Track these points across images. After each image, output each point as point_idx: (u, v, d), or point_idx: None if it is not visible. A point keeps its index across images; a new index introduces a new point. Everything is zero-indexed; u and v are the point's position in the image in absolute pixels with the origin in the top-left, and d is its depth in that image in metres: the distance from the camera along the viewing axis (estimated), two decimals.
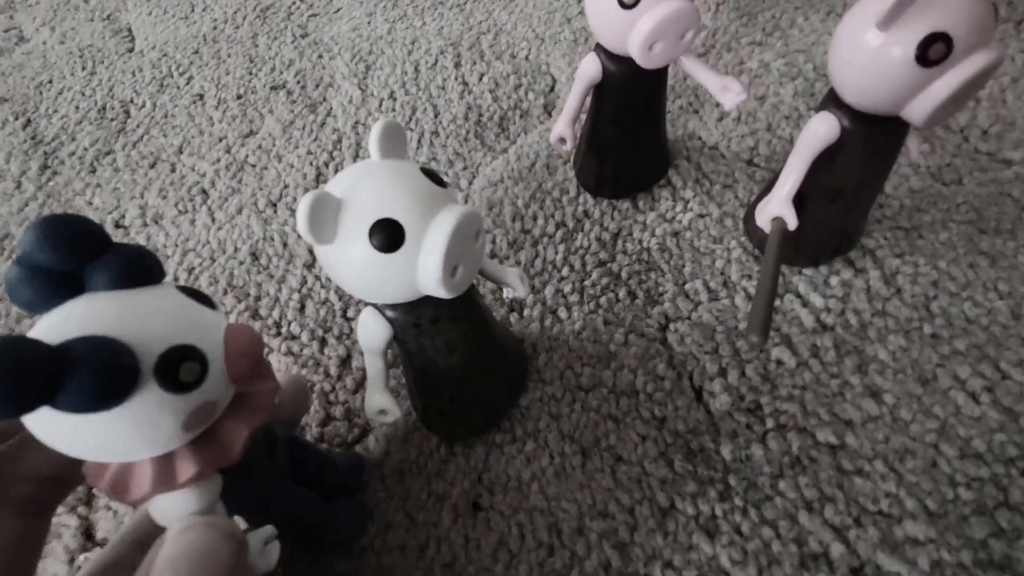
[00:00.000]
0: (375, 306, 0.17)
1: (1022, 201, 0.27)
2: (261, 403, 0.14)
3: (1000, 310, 0.24)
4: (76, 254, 0.12)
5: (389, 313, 0.17)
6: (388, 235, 0.14)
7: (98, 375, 0.10)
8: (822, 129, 0.20)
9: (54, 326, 0.11)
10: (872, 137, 0.20)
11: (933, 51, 0.16)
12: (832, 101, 0.20)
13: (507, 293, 0.22)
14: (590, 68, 0.24)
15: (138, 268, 0.12)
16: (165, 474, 0.13)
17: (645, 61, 0.22)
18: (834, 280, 0.26)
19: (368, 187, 0.14)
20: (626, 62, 0.23)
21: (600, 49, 0.24)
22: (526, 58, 0.41)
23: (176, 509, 0.13)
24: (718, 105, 0.35)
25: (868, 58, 0.17)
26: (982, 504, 0.19)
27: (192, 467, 0.13)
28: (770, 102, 0.34)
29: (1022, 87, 0.32)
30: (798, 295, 0.26)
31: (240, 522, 0.16)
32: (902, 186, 0.29)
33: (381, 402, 0.19)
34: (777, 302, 0.25)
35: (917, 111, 0.17)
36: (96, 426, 0.11)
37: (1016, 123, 0.30)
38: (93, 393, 0.11)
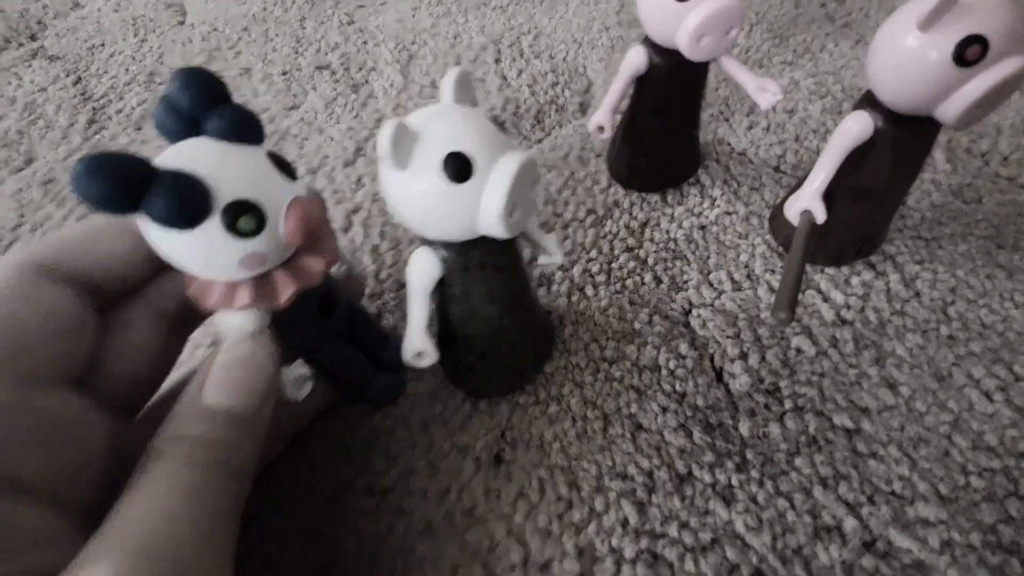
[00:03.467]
0: (429, 246, 0.18)
1: None
2: (311, 270, 0.17)
3: (1015, 318, 0.24)
4: (199, 100, 0.14)
5: (441, 253, 0.18)
6: (459, 166, 0.15)
7: (171, 198, 0.13)
8: (856, 127, 0.21)
9: (165, 155, 0.14)
10: (903, 138, 0.21)
11: (970, 52, 0.17)
12: (867, 101, 0.21)
13: (543, 258, 0.23)
14: (636, 59, 0.25)
15: (243, 126, 0.15)
16: (229, 296, 0.15)
17: (692, 53, 0.23)
18: (855, 280, 0.27)
19: (442, 124, 0.15)
20: (671, 55, 0.25)
21: (647, 42, 0.25)
22: (564, 59, 0.42)
23: (232, 322, 0.16)
24: (748, 114, 0.36)
25: (908, 58, 0.18)
26: (992, 492, 0.20)
27: (247, 298, 0.15)
28: (799, 116, 0.35)
29: None
30: (819, 291, 0.26)
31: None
32: (924, 200, 0.30)
33: (420, 344, 0.19)
34: (800, 295, 0.26)
35: (950, 110, 0.19)
36: (175, 241, 0.14)
37: None
38: (165, 211, 0.13)
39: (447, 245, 0.18)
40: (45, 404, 0.13)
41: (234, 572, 0.14)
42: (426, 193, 0.15)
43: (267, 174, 0.15)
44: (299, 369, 0.18)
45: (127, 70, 0.45)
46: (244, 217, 0.14)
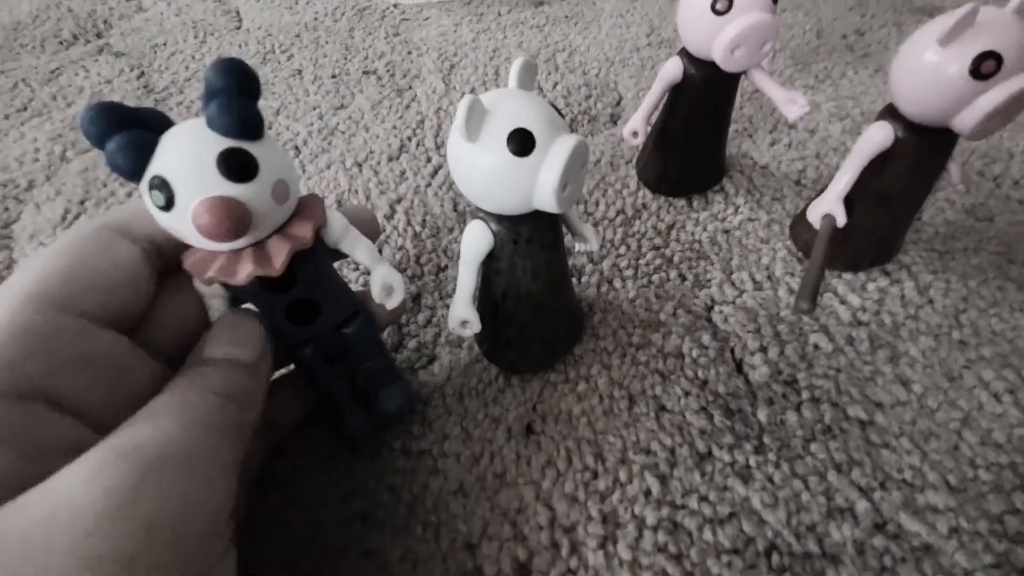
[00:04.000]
0: (482, 220, 0.20)
1: None
2: (300, 233, 0.17)
3: None
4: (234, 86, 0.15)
5: (493, 226, 0.20)
6: (523, 141, 0.16)
7: (116, 145, 0.14)
8: (878, 136, 0.23)
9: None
10: (922, 146, 0.23)
11: (985, 67, 0.19)
12: (889, 113, 0.23)
13: (580, 246, 0.24)
14: (673, 69, 0.27)
15: (228, 121, 0.15)
16: (232, 266, 0.16)
17: (726, 63, 0.25)
18: (871, 286, 0.28)
19: (509, 104, 0.17)
20: (706, 67, 0.27)
21: (684, 53, 0.27)
22: (596, 75, 0.45)
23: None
24: (771, 131, 0.38)
25: (928, 72, 0.20)
26: (1000, 485, 0.21)
27: (249, 266, 0.16)
28: (819, 135, 0.37)
29: None
30: (836, 294, 0.28)
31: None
32: (938, 217, 0.31)
33: (465, 313, 0.21)
34: (819, 296, 0.28)
35: (966, 120, 0.20)
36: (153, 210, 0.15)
37: None
38: (109, 157, 0.15)
39: (499, 219, 0.20)
40: (98, 340, 0.15)
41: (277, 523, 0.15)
42: (491, 164, 0.17)
43: (202, 167, 0.15)
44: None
45: (187, 67, 0.48)
46: (155, 191, 0.15)
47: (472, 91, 0.43)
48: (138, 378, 0.16)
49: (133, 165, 0.15)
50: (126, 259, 0.16)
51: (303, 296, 0.19)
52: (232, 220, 0.15)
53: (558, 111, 0.18)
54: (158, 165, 0.15)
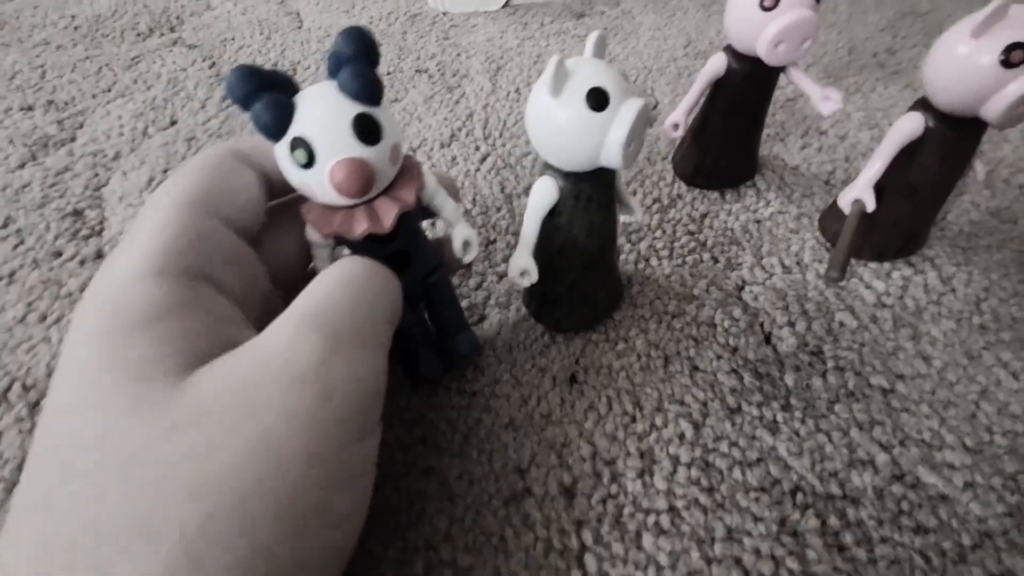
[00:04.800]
0: (551, 175, 0.22)
1: None
2: (404, 198, 0.19)
3: None
4: (356, 53, 0.17)
5: (560, 182, 0.22)
6: (600, 97, 0.19)
7: (261, 107, 0.16)
8: (909, 125, 0.25)
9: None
10: (950, 137, 0.25)
11: (1015, 56, 0.21)
12: (920, 104, 0.25)
13: (625, 216, 0.27)
14: (717, 63, 0.30)
15: (357, 85, 0.17)
16: (348, 222, 0.18)
17: (769, 57, 0.27)
18: (895, 274, 0.30)
19: (588, 67, 0.20)
20: (749, 62, 0.29)
21: (729, 49, 0.30)
22: (634, 82, 0.47)
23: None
24: (802, 136, 0.40)
25: (961, 62, 0.22)
26: (1014, 449, 0.22)
27: (365, 223, 0.18)
28: (849, 142, 0.39)
29: None
30: (862, 280, 0.30)
31: None
32: (963, 217, 0.33)
33: (526, 263, 0.23)
34: (843, 283, 0.30)
35: (994, 108, 0.22)
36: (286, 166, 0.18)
37: None
38: (255, 119, 0.16)
39: (566, 176, 0.22)
40: (238, 243, 0.18)
41: None
42: (569, 117, 0.19)
43: (339, 130, 0.17)
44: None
45: (253, 61, 0.52)
46: (298, 150, 0.16)
47: (517, 91, 0.47)
48: (263, 284, 0.19)
49: (277, 125, 0.16)
50: (251, 182, 0.19)
51: (400, 248, 0.21)
52: (363, 179, 0.17)
53: (627, 78, 0.21)
54: (299, 126, 0.16)
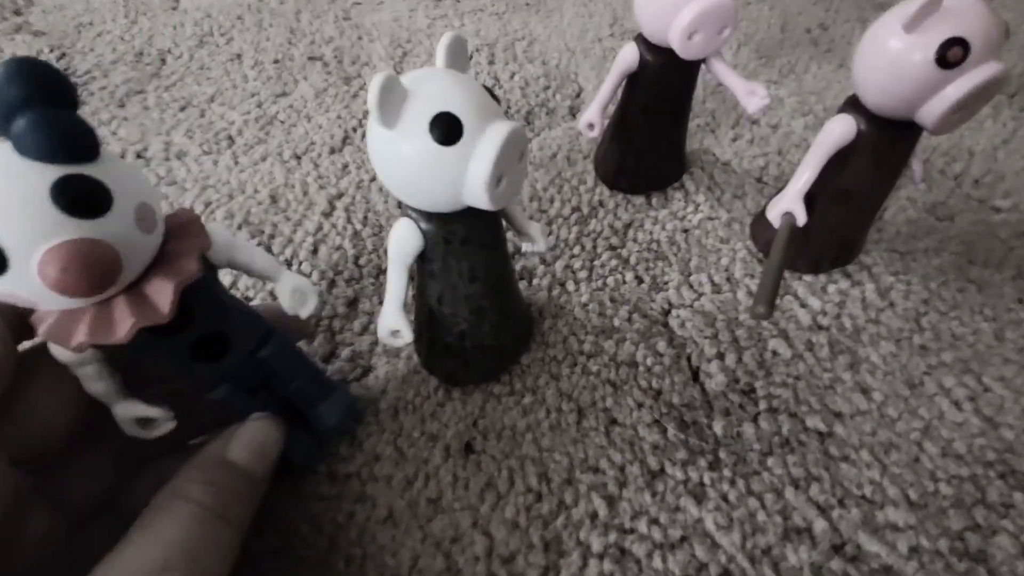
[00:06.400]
0: (411, 217, 0.18)
1: (1009, 242, 0.29)
2: (156, 300, 0.14)
3: (985, 331, 0.25)
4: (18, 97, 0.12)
5: (423, 225, 0.17)
6: (447, 127, 0.14)
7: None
8: (839, 129, 0.22)
9: None
10: (884, 141, 0.22)
11: (951, 54, 0.18)
12: (851, 105, 0.22)
13: (527, 246, 0.22)
14: (628, 56, 0.26)
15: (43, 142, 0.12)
16: (105, 324, 0.13)
17: (684, 50, 0.23)
18: (832, 288, 0.27)
19: (433, 85, 0.15)
20: (663, 53, 0.25)
21: (640, 39, 0.26)
22: (556, 66, 0.43)
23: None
24: (733, 127, 0.37)
25: (892, 59, 0.19)
26: (960, 500, 0.20)
27: (129, 319, 0.13)
28: (782, 131, 0.36)
29: (1012, 148, 0.34)
30: (797, 297, 0.27)
31: None
32: (900, 215, 0.30)
33: (395, 321, 0.19)
34: (777, 300, 0.26)
35: (931, 112, 0.19)
36: None
37: (1005, 177, 0.32)
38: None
39: (430, 217, 0.17)
40: None
41: None
42: (412, 154, 0.15)
43: (33, 208, 0.12)
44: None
45: (114, 49, 0.44)
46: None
47: None
48: None
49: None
50: None
51: (207, 331, 0.16)
52: (94, 267, 0.12)
53: (493, 95, 0.16)
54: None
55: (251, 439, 0.17)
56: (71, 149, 0.12)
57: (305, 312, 0.18)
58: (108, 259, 0.12)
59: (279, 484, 0.20)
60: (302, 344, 0.24)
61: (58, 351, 0.14)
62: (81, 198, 0.12)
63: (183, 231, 0.15)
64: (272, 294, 0.26)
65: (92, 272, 0.12)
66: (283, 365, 0.18)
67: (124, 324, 0.13)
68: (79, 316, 0.13)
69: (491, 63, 0.43)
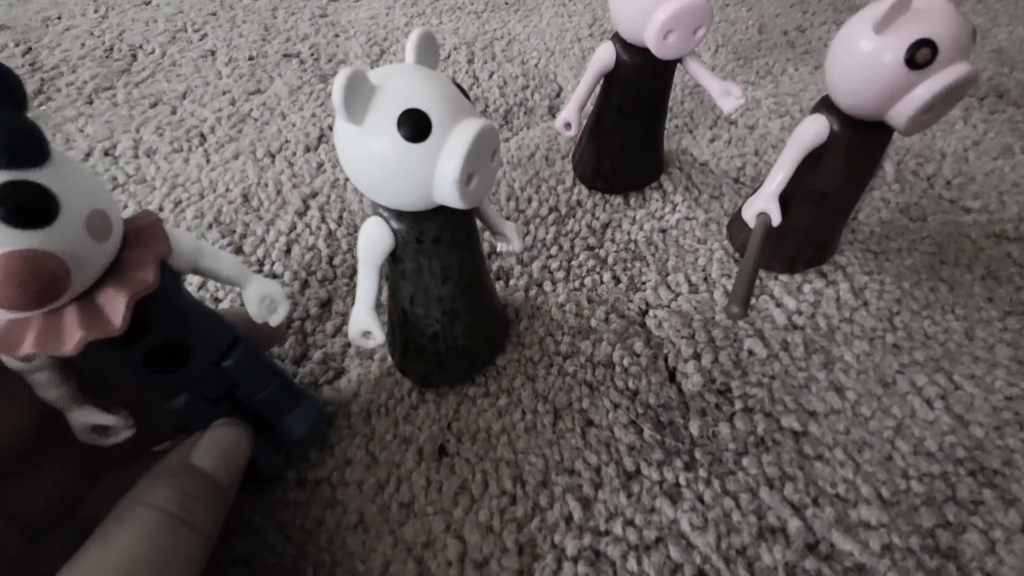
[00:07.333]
0: (381, 216, 0.17)
1: (979, 243, 0.29)
2: (107, 311, 0.13)
3: (956, 330, 0.25)
4: None
5: (394, 224, 0.17)
6: (416, 124, 0.14)
7: None
8: (812, 129, 0.22)
9: None
10: (856, 142, 0.22)
11: (920, 55, 0.18)
12: (824, 106, 0.22)
13: (502, 246, 0.22)
14: (604, 55, 0.26)
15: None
16: (53, 336, 0.12)
17: (659, 49, 0.23)
18: (807, 287, 0.27)
19: (402, 80, 0.15)
20: (639, 53, 0.25)
21: (616, 38, 0.25)
22: (535, 65, 0.42)
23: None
24: (711, 127, 0.37)
25: (862, 60, 0.19)
26: (931, 497, 0.20)
27: (78, 331, 0.12)
28: (759, 132, 0.36)
29: (982, 150, 0.35)
30: (772, 296, 0.27)
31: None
32: (873, 216, 0.31)
33: (367, 323, 0.18)
34: (753, 300, 0.27)
35: (901, 113, 0.19)
36: None
37: (976, 178, 0.33)
38: None
39: (401, 216, 0.17)
40: None
41: None
42: (380, 151, 0.14)
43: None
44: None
45: (83, 44, 0.43)
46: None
47: None
48: None
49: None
50: None
51: (165, 340, 0.15)
52: (36, 283, 0.11)
53: (463, 91, 0.16)
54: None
55: (217, 444, 0.17)
56: (15, 153, 0.11)
57: (275, 320, 0.17)
58: (52, 272, 0.11)
59: (245, 490, 0.20)
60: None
61: (7, 358, 0.14)
62: (24, 206, 0.11)
63: (142, 237, 0.14)
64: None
65: (32, 287, 0.11)
66: (248, 376, 0.17)
67: (73, 337, 0.12)
68: (27, 325, 0.12)
69: (470, 62, 0.42)
